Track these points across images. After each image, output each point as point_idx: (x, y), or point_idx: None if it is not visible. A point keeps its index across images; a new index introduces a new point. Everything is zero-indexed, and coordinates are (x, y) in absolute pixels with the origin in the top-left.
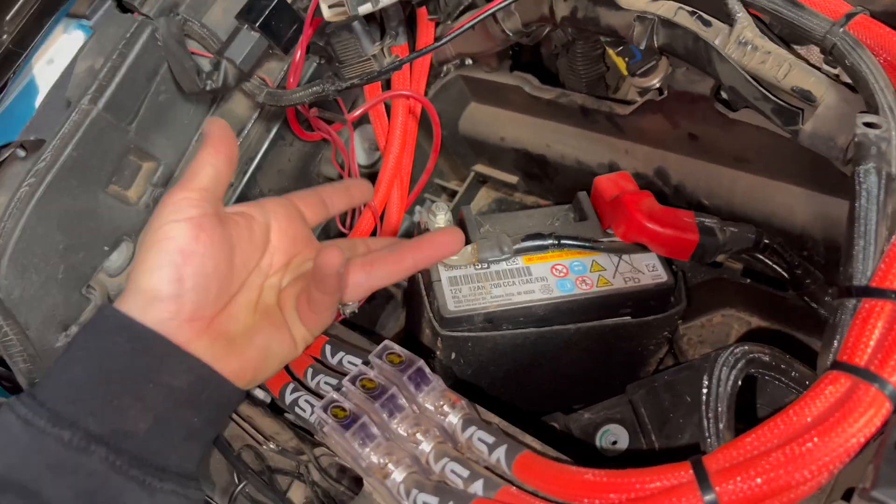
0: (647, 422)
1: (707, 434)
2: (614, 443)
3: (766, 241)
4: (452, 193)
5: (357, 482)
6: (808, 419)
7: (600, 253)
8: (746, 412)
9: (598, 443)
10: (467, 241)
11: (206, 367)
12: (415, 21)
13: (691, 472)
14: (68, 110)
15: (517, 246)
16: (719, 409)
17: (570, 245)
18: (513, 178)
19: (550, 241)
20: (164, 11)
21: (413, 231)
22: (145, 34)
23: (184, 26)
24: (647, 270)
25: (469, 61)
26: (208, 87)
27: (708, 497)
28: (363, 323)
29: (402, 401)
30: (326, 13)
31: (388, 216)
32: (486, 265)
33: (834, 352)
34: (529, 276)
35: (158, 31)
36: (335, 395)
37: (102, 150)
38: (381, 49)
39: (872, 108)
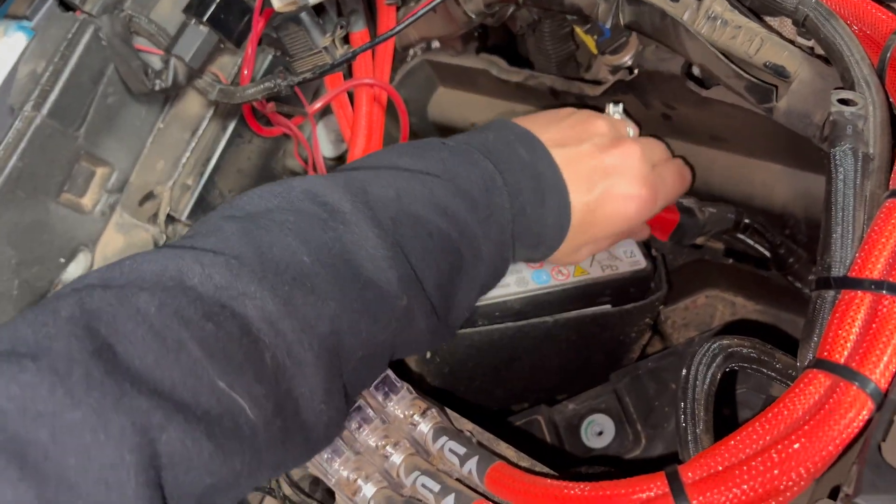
0: (632, 411)
1: (683, 440)
2: (600, 433)
3: (747, 220)
4: None
5: (330, 494)
6: (788, 423)
7: None
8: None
9: (583, 434)
10: None
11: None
12: (375, 6)
13: (666, 483)
14: (11, 118)
15: None
16: (696, 411)
17: None
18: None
19: None
20: (107, 8)
21: None
22: (88, 34)
23: (130, 23)
24: (625, 257)
25: (436, 44)
26: (157, 87)
27: None
28: None
29: (370, 412)
30: (276, 3)
31: None
32: None
33: (813, 347)
34: None
35: (102, 30)
36: None
37: (50, 159)
38: (333, 40)
39: (847, 82)
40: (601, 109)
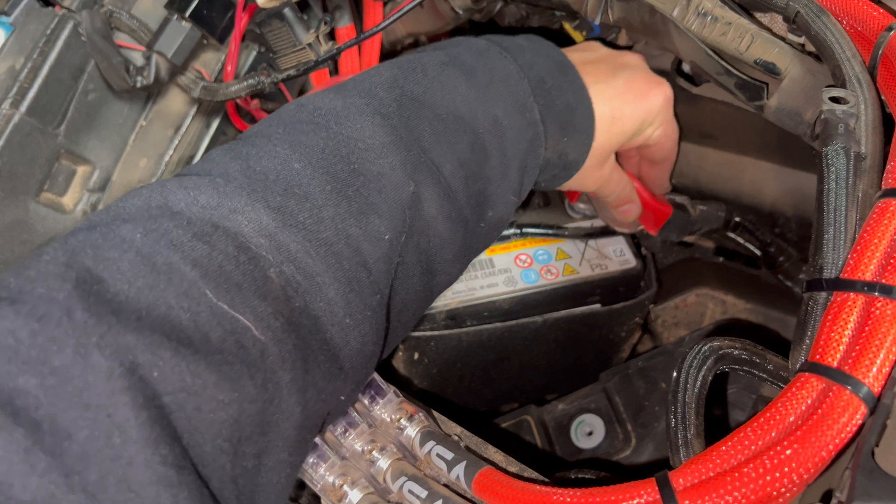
0: (621, 410)
1: (674, 445)
2: (590, 433)
3: (737, 219)
4: None
5: (316, 499)
6: (781, 428)
7: (565, 240)
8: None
9: (573, 434)
10: None
11: None
12: (361, 2)
13: (657, 490)
14: None
15: None
16: (687, 416)
17: (533, 233)
18: None
19: (512, 231)
20: (87, 4)
21: None
22: (67, 29)
23: (110, 18)
24: (615, 256)
25: (423, 40)
26: (139, 84)
27: None
28: None
29: (356, 415)
30: None
31: None
32: None
33: (805, 350)
34: (492, 269)
35: (82, 26)
36: None
37: (29, 157)
38: (317, 36)
39: (839, 80)
40: None
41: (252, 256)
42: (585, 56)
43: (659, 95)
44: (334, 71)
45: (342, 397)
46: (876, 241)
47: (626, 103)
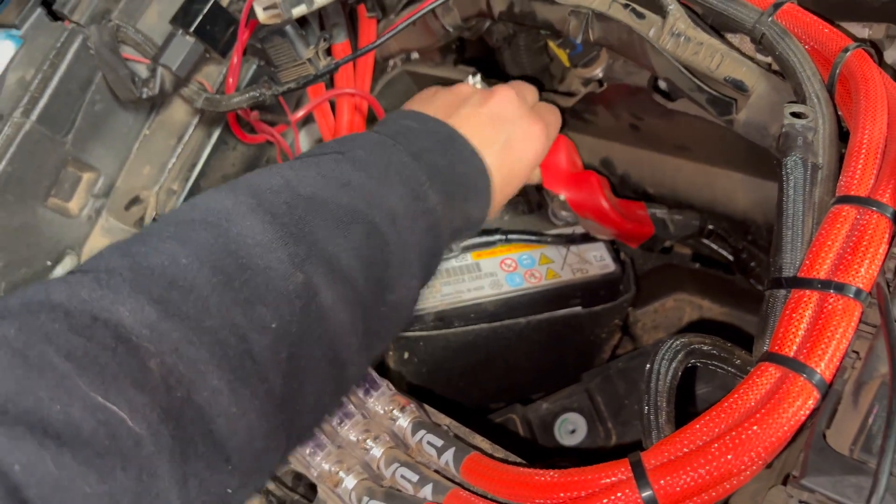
0: (603, 409)
1: (647, 429)
2: (573, 431)
3: (711, 226)
4: None
5: (312, 489)
6: (742, 411)
7: (548, 245)
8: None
9: (556, 432)
10: None
11: None
12: (356, 18)
13: (630, 469)
14: (0, 124)
15: (465, 242)
16: (659, 403)
17: (517, 239)
18: None
19: (498, 237)
20: (95, 18)
21: None
22: (77, 43)
23: (117, 33)
24: (595, 261)
25: (415, 55)
26: (145, 95)
27: (645, 493)
28: None
29: (352, 407)
30: (261, 16)
31: None
32: None
33: (766, 342)
34: (479, 272)
35: (90, 40)
36: None
37: (38, 164)
38: (317, 51)
39: (800, 96)
40: (574, 120)
41: (132, 347)
42: (463, 112)
43: (537, 145)
44: (330, 84)
45: (229, 490)
46: (829, 243)
47: (516, 162)
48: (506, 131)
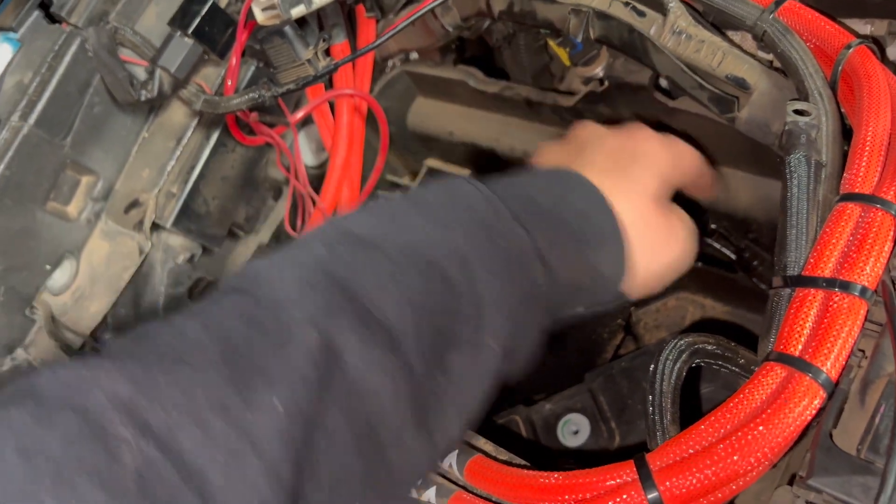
0: (606, 409)
1: (652, 430)
2: (576, 432)
3: (713, 225)
4: (406, 189)
5: None
6: (748, 412)
7: None
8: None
9: (559, 433)
10: None
11: None
12: (355, 19)
13: (635, 471)
14: None
15: None
16: (664, 404)
17: None
18: (465, 172)
19: None
20: (93, 20)
21: None
22: (74, 45)
23: (115, 35)
24: None
25: (414, 56)
26: (143, 97)
27: (651, 495)
28: None
29: None
30: (259, 17)
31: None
32: None
33: (771, 342)
34: None
35: (88, 42)
36: None
37: (37, 167)
38: (316, 52)
39: (802, 94)
40: (575, 119)
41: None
42: (598, 161)
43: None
44: (329, 85)
45: None
46: (834, 241)
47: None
48: (657, 215)
